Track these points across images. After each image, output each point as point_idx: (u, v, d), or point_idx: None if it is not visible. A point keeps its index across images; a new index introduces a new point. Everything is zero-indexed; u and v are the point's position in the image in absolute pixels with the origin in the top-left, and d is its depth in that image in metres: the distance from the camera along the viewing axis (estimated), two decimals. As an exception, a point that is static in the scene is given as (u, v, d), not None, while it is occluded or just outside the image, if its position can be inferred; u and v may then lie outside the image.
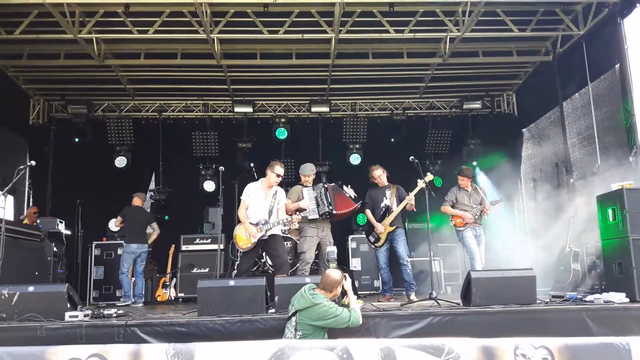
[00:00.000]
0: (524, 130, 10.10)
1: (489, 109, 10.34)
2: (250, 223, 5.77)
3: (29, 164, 5.95)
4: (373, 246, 6.69)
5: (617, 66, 6.97)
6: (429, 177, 6.40)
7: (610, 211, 5.52)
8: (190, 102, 10.40)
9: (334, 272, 4.55)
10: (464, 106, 10.08)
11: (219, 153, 9.91)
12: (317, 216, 6.20)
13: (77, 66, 8.82)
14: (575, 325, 4.59)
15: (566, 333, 4.06)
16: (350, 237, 9.03)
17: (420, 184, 6.29)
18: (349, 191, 6.50)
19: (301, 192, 6.36)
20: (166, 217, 9.70)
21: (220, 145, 9.92)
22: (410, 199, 6.37)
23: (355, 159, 10.10)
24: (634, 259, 5.14)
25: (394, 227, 6.56)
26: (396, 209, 6.54)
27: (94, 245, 8.59)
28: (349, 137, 10.13)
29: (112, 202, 8.82)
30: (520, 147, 9.99)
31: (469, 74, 9.60)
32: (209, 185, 9.82)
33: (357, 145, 10.12)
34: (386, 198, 6.66)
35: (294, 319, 4.34)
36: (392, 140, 10.09)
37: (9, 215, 7.18)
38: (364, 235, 8.74)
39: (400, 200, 6.57)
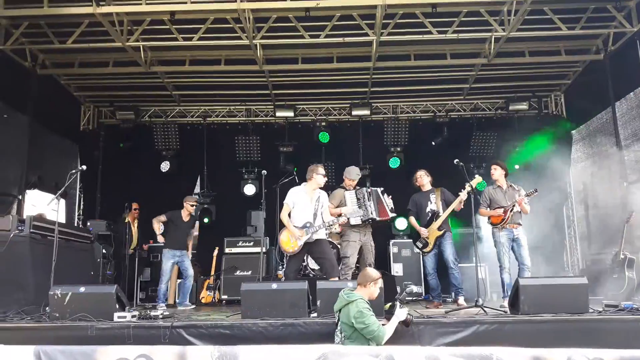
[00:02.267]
0: (573, 132, 9.78)
1: (536, 110, 10.06)
2: (295, 226, 5.79)
3: (80, 168, 6.14)
4: (421, 252, 6.62)
5: (674, 63, 6.63)
6: (478, 179, 6.31)
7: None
8: (233, 107, 10.54)
9: (371, 269, 4.57)
10: (510, 107, 9.86)
11: (261, 157, 10.00)
12: (359, 222, 6.17)
13: (125, 73, 9.09)
14: (631, 337, 4.37)
15: (621, 344, 3.82)
16: (392, 241, 8.98)
17: (473, 182, 6.16)
18: (388, 201, 6.44)
19: (344, 197, 6.33)
20: (206, 220, 9.85)
21: (262, 150, 10.01)
22: (462, 199, 6.22)
23: (395, 162, 10.01)
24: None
25: (443, 231, 6.45)
26: (444, 213, 6.43)
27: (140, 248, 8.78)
28: (390, 140, 10.06)
29: (159, 206, 8.87)
30: (569, 150, 9.72)
31: (514, 75, 9.37)
32: (250, 189, 9.91)
33: (398, 149, 10.04)
34: (431, 202, 6.58)
35: (339, 322, 4.33)
36: (433, 143, 9.97)
37: (61, 218, 7.41)
38: (406, 240, 8.98)
39: (446, 203, 6.48)
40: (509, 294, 5.41)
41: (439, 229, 6.44)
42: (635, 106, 7.71)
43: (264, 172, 6.59)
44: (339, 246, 7.20)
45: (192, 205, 7.69)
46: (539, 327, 4.52)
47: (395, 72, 9.29)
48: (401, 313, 4.45)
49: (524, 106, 9.84)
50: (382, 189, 6.55)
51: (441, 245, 6.45)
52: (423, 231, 6.50)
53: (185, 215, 7.60)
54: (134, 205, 8.79)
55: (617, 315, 4.75)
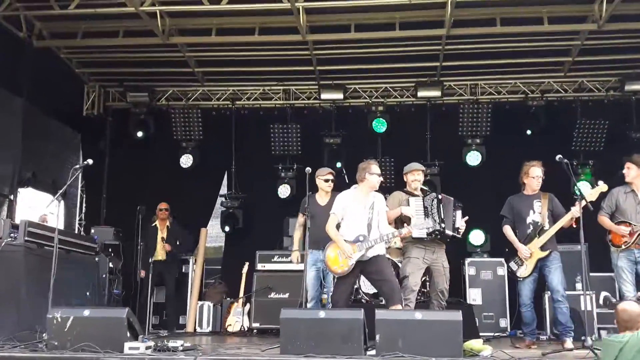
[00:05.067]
0: None
1: None
2: (346, 241, 5.77)
3: (84, 162, 6.18)
4: (516, 277, 6.47)
5: None
6: (601, 187, 6.14)
7: None
8: (268, 88, 10.60)
9: (629, 305, 4.55)
10: (626, 87, 9.62)
11: (302, 150, 10.05)
12: (423, 235, 6.09)
13: (138, 45, 9.20)
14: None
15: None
16: (468, 260, 8.87)
17: (592, 192, 6.07)
18: (459, 220, 6.29)
19: (406, 201, 6.28)
20: (227, 229, 9.98)
21: (303, 141, 10.05)
22: (574, 215, 6.06)
23: (474, 158, 9.85)
24: None
25: (548, 251, 6.29)
26: (551, 229, 6.27)
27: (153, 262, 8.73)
28: (467, 130, 9.91)
29: (178, 210, 9.15)
30: None
31: (633, 45, 9.05)
32: (286, 190, 9.96)
33: (478, 140, 9.89)
34: (534, 211, 6.40)
35: None
36: (529, 132, 9.77)
37: (60, 224, 7.50)
38: (486, 259, 8.93)
39: (553, 215, 6.33)
40: None
41: (543, 248, 6.28)
42: None
43: (309, 169, 6.53)
44: (399, 264, 7.09)
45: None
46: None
47: (475, 41, 9.14)
48: None
49: None
50: (460, 204, 6.41)
51: (544, 270, 6.32)
52: (523, 249, 6.32)
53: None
54: (162, 205, 8.84)
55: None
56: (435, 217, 6.11)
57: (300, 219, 6.73)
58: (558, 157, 5.85)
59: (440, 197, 6.28)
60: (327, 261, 5.86)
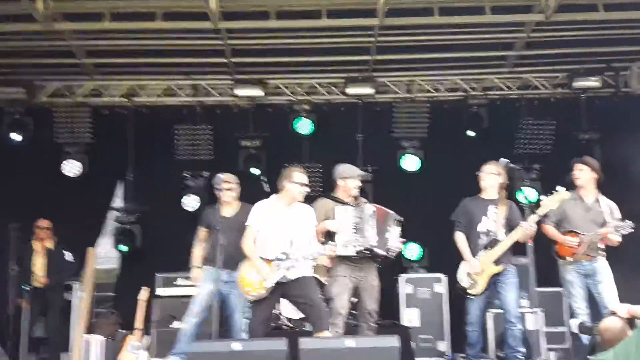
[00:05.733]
0: None
1: (612, 88, 10.06)
2: (263, 259, 5.73)
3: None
4: (466, 294, 6.47)
5: None
6: (561, 195, 6.19)
7: None
8: (173, 82, 10.39)
9: (610, 322, 4.78)
10: (575, 84, 9.84)
11: (214, 155, 9.94)
12: (351, 253, 6.06)
13: (13, 32, 8.84)
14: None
15: None
16: (404, 277, 8.91)
17: (549, 201, 6.15)
18: (395, 239, 6.26)
19: (332, 210, 6.21)
20: (125, 249, 9.82)
21: (216, 144, 9.95)
22: (529, 230, 6.14)
23: (411, 163, 9.94)
24: None
25: (502, 266, 6.30)
26: (505, 241, 6.27)
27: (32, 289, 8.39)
28: (403, 131, 10.03)
29: (61, 226, 8.86)
30: None
31: (582, 38, 9.29)
32: (193, 202, 9.81)
33: (415, 143, 9.99)
34: (487, 217, 6.40)
35: None
36: (472, 134, 9.93)
37: None
38: (425, 275, 9.08)
39: (509, 226, 6.35)
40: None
41: (497, 262, 6.29)
42: None
43: (221, 176, 6.39)
44: (326, 284, 7.13)
45: None
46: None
47: (411, 33, 9.20)
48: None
49: (594, 83, 9.81)
50: (400, 218, 6.36)
51: (497, 286, 6.36)
52: (473, 263, 6.32)
53: None
54: (42, 223, 8.58)
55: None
56: (365, 233, 6.06)
57: (201, 233, 6.70)
58: (503, 160, 6.12)
59: (375, 209, 6.23)
60: (240, 282, 5.81)
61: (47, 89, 10.27)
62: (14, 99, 9.76)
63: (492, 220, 6.37)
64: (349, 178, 6.35)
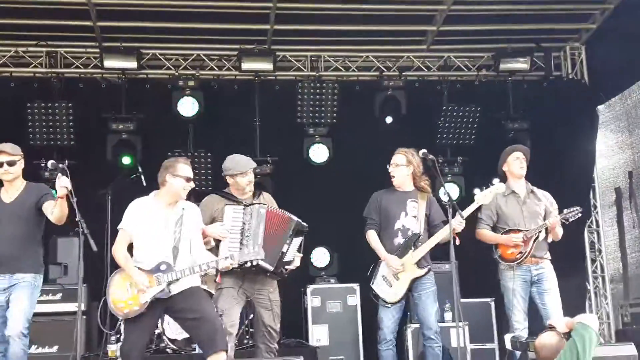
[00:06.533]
0: (599, 107, 10.16)
1: (541, 71, 10.37)
2: (140, 269, 5.48)
3: None
4: (380, 302, 6.41)
5: None
6: (498, 186, 6.34)
7: None
8: (24, 49, 9.92)
9: (546, 338, 4.90)
10: (501, 66, 10.10)
11: (75, 140, 9.52)
12: (235, 265, 5.78)
13: None
14: None
15: None
16: (311, 287, 8.85)
17: (484, 196, 6.24)
18: (292, 253, 6.11)
19: (222, 210, 6.07)
20: None
21: (78, 127, 9.56)
22: (459, 222, 6.13)
23: (319, 154, 9.91)
24: None
25: (424, 269, 6.32)
26: (428, 241, 6.34)
27: None
28: (309, 116, 10.01)
29: None
30: (593, 136, 10.07)
31: (509, 12, 9.47)
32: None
33: (322, 129, 10.00)
34: (406, 213, 6.38)
35: None
36: (388, 120, 9.95)
37: None
38: (334, 285, 9.03)
39: (430, 223, 6.40)
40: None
41: (419, 264, 6.30)
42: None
43: (65, 163, 5.84)
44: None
45: None
46: None
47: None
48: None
49: (522, 65, 10.08)
50: (304, 226, 6.17)
51: (415, 295, 6.37)
52: (392, 261, 6.26)
53: None
54: None
55: None
56: (250, 240, 5.93)
57: None
58: (422, 152, 6.07)
59: (267, 211, 6.04)
60: (110, 298, 5.55)
61: None
62: None
63: (411, 217, 6.39)
64: (238, 175, 6.12)
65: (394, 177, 6.46)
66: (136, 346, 5.59)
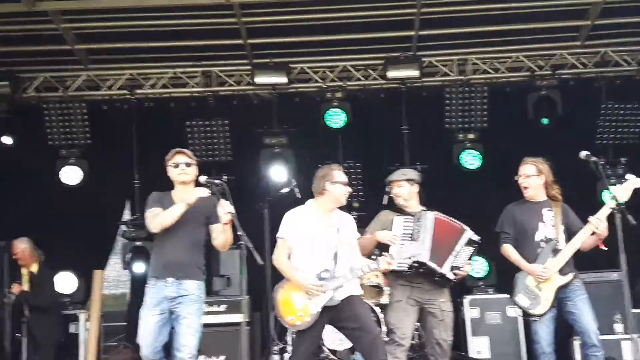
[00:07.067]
0: None
1: None
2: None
3: None
4: (529, 316, 6.28)
5: None
6: (635, 181, 5.98)
7: None
8: (182, 70, 10.34)
9: None
10: None
11: (233, 155, 9.87)
12: (403, 267, 5.94)
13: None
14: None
15: None
16: (468, 298, 8.89)
17: (622, 190, 5.92)
18: (463, 259, 6.10)
19: (391, 222, 6.15)
20: (133, 270, 9.61)
21: (234, 142, 9.89)
22: (597, 224, 5.93)
23: (470, 160, 9.84)
24: None
25: (570, 276, 6.11)
26: (567, 248, 6.10)
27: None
28: (457, 121, 9.92)
29: (57, 245, 8.97)
30: None
31: None
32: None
33: (472, 135, 9.93)
34: (544, 223, 6.23)
35: None
36: (545, 122, 9.70)
37: None
38: (494, 295, 9.04)
39: (568, 230, 6.20)
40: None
41: (562, 272, 6.10)
42: None
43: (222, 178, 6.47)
44: (375, 308, 7.22)
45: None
46: None
47: (460, 2, 9.10)
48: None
49: None
50: (476, 239, 6.18)
51: (566, 304, 6.14)
52: (537, 269, 6.10)
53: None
54: (16, 247, 8.39)
55: None
56: (417, 242, 5.96)
57: None
58: (584, 154, 5.88)
59: (436, 217, 6.09)
60: (278, 307, 5.69)
61: (35, 82, 10.27)
62: (-3, 94, 9.84)
63: (550, 226, 6.24)
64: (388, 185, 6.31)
65: (525, 188, 6.34)
66: (304, 357, 5.71)
